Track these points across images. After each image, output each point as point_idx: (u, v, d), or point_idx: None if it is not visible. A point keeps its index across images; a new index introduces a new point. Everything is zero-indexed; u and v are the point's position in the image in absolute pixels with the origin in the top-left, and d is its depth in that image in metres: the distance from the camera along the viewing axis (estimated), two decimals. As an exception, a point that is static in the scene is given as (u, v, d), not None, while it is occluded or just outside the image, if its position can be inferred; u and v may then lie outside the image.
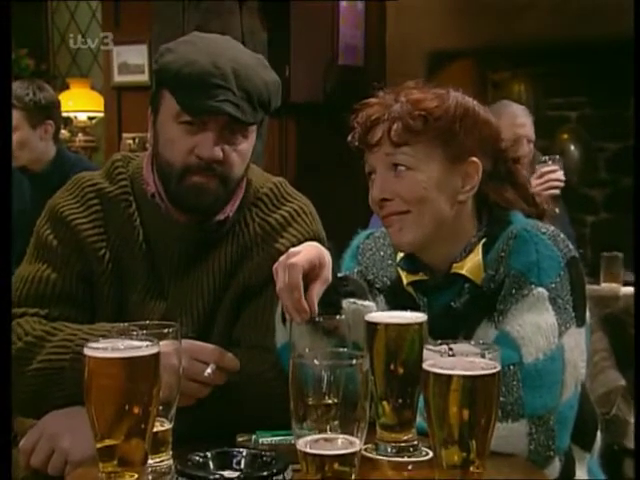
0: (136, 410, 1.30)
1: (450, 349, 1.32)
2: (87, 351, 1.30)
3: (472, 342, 1.36)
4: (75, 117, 6.72)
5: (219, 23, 4.04)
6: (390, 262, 1.86)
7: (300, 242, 1.89)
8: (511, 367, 1.56)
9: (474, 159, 1.73)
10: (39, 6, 7.04)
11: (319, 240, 1.94)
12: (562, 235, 1.71)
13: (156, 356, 1.32)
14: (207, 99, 1.77)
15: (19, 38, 6.10)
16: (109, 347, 1.31)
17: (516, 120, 3.72)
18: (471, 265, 1.72)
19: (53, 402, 1.72)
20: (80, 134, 6.69)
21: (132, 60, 5.66)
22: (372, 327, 1.53)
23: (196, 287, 1.88)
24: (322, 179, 4.93)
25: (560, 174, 3.55)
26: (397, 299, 1.80)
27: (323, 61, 5.18)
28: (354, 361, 1.26)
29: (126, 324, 1.50)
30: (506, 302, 1.65)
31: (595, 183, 5.62)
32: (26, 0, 6.39)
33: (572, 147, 5.60)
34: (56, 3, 7.20)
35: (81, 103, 6.66)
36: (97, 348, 1.30)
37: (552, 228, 1.72)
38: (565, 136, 5.62)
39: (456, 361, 1.29)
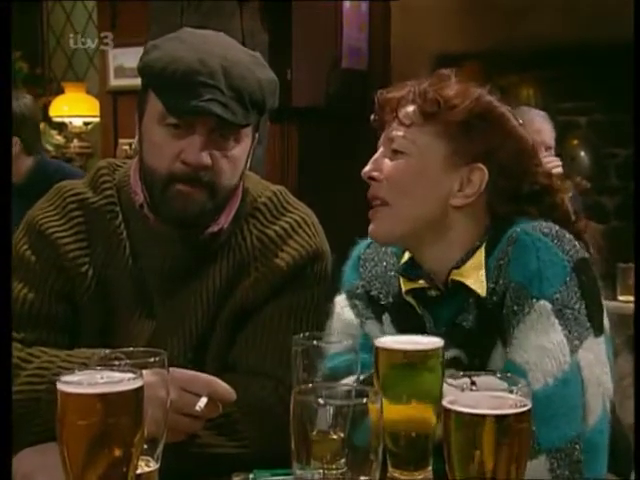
0: (116, 452, 1.14)
1: (473, 383, 1.17)
2: (60, 386, 1.13)
3: (498, 374, 1.20)
4: (70, 122, 6.62)
5: (219, 25, 3.92)
6: (393, 274, 1.70)
7: (302, 256, 1.76)
8: None
9: (480, 166, 1.58)
10: (34, 7, 6.93)
11: (322, 253, 1.81)
12: (568, 235, 1.53)
13: (139, 391, 1.16)
14: (192, 99, 1.63)
15: (13, 40, 5.97)
16: (84, 381, 1.14)
17: (532, 126, 3.58)
18: (471, 272, 1.56)
19: (28, 438, 1.56)
20: (75, 140, 6.59)
21: (129, 63, 5.48)
22: (382, 353, 1.37)
23: (188, 306, 1.73)
24: (325, 186, 4.81)
25: (554, 158, 3.47)
26: (403, 317, 1.65)
27: (326, 64, 5.06)
28: (364, 399, 1.10)
29: (107, 351, 1.34)
30: (509, 322, 1.49)
31: (605, 190, 5.50)
32: (21, 0, 6.27)
33: (582, 153, 5.51)
34: (52, 4, 7.07)
35: (76, 108, 6.56)
36: (70, 382, 1.14)
37: (556, 228, 1.53)
38: (575, 142, 5.52)
39: (480, 397, 1.13)
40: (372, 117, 1.68)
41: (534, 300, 1.46)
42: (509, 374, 1.20)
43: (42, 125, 6.61)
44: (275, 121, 4.49)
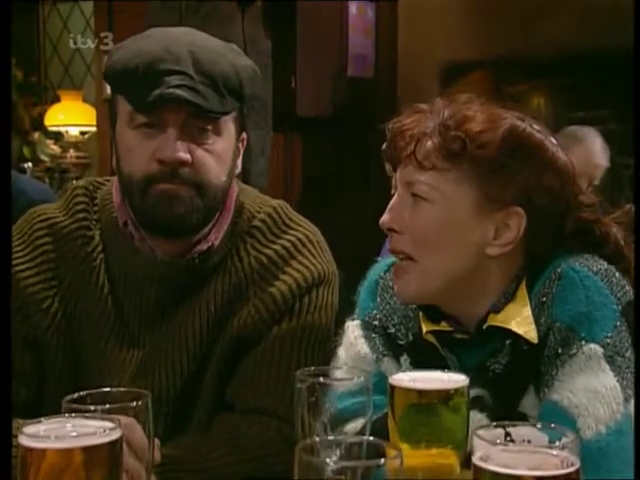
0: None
1: (507, 434, 1.00)
2: (22, 440, 0.97)
3: (538, 424, 1.02)
4: (66, 132, 6.48)
5: (218, 30, 3.81)
6: (414, 306, 1.51)
7: (306, 278, 1.60)
8: None
9: (518, 209, 1.38)
10: (30, 13, 6.80)
11: (329, 275, 1.64)
12: (617, 274, 1.38)
13: (115, 444, 0.99)
14: (158, 87, 1.48)
15: (8, 46, 5.86)
16: (52, 434, 0.98)
17: (592, 159, 3.24)
18: (514, 315, 1.39)
19: None
20: (72, 150, 6.45)
21: (126, 70, 5.39)
22: (398, 393, 1.21)
23: (178, 336, 1.56)
24: (330, 199, 4.69)
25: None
26: (424, 359, 1.47)
27: (331, 72, 4.94)
28: (382, 460, 0.93)
29: (83, 393, 1.17)
30: (550, 364, 1.33)
31: (619, 201, 5.37)
32: (18, 0, 6.14)
33: (595, 163, 5.39)
34: (48, 9, 6.94)
35: (72, 117, 6.42)
36: (35, 436, 0.98)
37: (605, 265, 1.38)
38: (588, 152, 5.42)
39: (518, 454, 0.96)
40: (383, 148, 1.47)
41: (582, 342, 1.31)
42: (552, 425, 1.03)
43: (37, 134, 6.48)
44: (278, 131, 4.39)
